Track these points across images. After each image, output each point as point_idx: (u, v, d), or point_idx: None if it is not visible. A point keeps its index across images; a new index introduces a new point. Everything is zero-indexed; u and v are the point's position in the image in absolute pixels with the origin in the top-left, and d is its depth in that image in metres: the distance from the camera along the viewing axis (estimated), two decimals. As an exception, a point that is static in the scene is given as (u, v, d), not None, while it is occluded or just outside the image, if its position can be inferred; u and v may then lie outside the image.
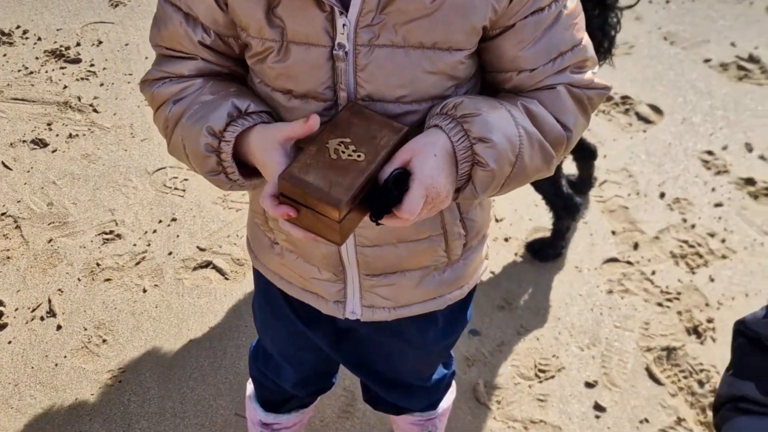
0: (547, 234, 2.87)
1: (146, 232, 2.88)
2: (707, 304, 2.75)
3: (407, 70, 1.20)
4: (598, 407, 2.45)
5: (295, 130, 1.18)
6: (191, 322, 2.62)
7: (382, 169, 1.15)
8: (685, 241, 2.95)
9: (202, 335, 2.59)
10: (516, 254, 2.89)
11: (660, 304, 2.75)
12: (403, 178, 1.14)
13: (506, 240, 2.93)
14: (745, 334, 1.16)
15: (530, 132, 1.22)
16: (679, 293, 2.78)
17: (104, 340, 2.55)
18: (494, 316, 2.69)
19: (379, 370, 1.77)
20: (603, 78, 1.29)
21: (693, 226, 3.01)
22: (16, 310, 2.62)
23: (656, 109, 3.53)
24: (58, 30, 3.74)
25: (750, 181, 3.20)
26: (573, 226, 2.93)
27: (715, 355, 2.60)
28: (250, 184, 1.31)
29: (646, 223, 3.02)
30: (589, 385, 2.51)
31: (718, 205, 3.11)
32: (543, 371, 2.54)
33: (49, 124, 3.28)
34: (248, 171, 1.28)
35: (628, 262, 2.88)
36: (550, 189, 2.67)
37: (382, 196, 1.13)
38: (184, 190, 3.05)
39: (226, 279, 2.76)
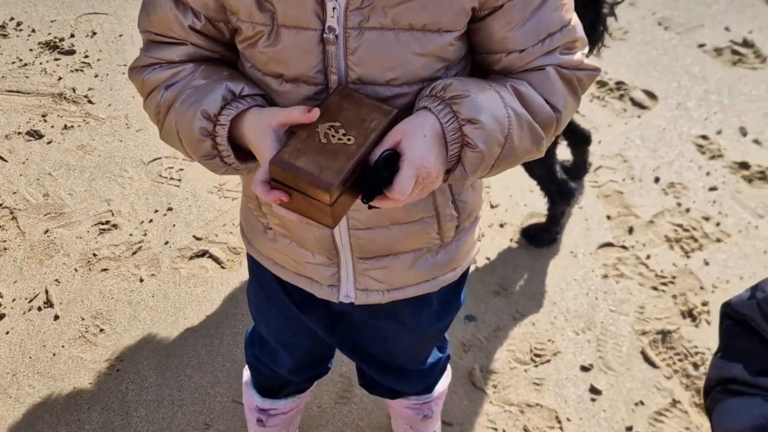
0: (543, 219, 2.88)
1: (142, 222, 2.89)
2: (702, 288, 2.76)
3: (397, 53, 1.21)
4: (594, 390, 2.47)
5: (291, 117, 1.18)
6: (188, 310, 2.63)
7: (373, 152, 1.15)
8: (680, 225, 2.96)
9: (199, 324, 2.60)
10: (511, 240, 2.90)
11: (655, 288, 2.76)
12: (393, 159, 1.14)
13: (501, 226, 2.94)
14: (732, 316, 1.16)
15: (519, 113, 1.22)
16: (674, 277, 2.79)
17: (101, 330, 2.56)
18: (490, 302, 2.70)
19: (374, 354, 1.78)
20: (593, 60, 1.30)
21: (687, 210, 3.02)
22: (14, 300, 2.62)
23: (651, 95, 3.54)
24: (52, 21, 3.74)
25: (744, 165, 3.21)
26: (568, 211, 2.95)
27: (710, 338, 2.61)
28: (245, 168, 1.31)
29: (641, 207, 3.03)
30: (585, 368, 2.52)
31: (713, 189, 3.11)
32: (539, 356, 2.56)
33: (44, 116, 3.28)
34: (243, 154, 1.28)
35: (623, 247, 2.89)
36: (544, 175, 2.68)
37: (373, 177, 1.14)
38: (179, 180, 3.05)
39: (223, 268, 2.77)
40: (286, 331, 1.75)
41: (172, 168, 3.10)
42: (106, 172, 3.07)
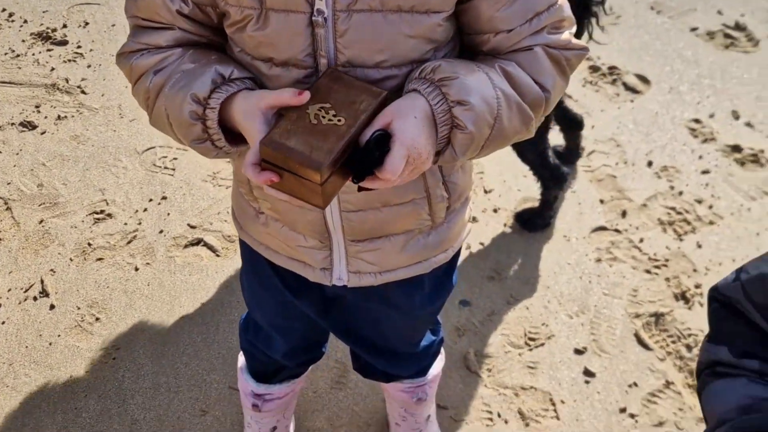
0: (536, 204, 2.89)
1: (137, 211, 2.89)
2: (695, 270, 2.78)
3: (386, 35, 1.21)
4: (588, 373, 2.48)
5: (280, 99, 1.19)
6: (183, 298, 2.64)
7: (363, 133, 1.16)
8: (673, 208, 2.97)
9: (195, 311, 2.61)
10: (505, 225, 2.91)
11: (648, 271, 2.77)
12: (383, 139, 1.15)
13: (495, 211, 2.95)
14: (718, 299, 1.17)
15: (508, 94, 1.23)
16: (666, 260, 2.80)
17: (97, 319, 2.57)
18: (484, 287, 2.71)
19: (367, 337, 1.79)
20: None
21: (680, 193, 3.03)
22: (9, 291, 2.63)
23: (643, 79, 3.54)
24: (44, 12, 3.73)
25: (736, 148, 3.22)
26: (561, 195, 2.95)
27: (703, 320, 2.62)
28: (236, 151, 1.32)
29: (634, 191, 3.04)
30: (579, 351, 2.54)
31: (705, 172, 3.12)
32: (533, 339, 2.57)
33: (37, 107, 3.28)
34: (234, 137, 1.29)
35: (616, 230, 2.90)
36: (536, 160, 2.69)
37: (364, 157, 1.15)
38: (173, 169, 3.06)
39: (217, 256, 2.77)
40: (280, 316, 1.76)
41: (166, 157, 3.11)
42: (100, 162, 3.07)
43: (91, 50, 3.56)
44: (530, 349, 2.54)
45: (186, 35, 1.31)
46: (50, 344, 2.50)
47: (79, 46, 3.57)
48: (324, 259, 1.52)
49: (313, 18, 1.20)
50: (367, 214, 1.42)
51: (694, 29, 3.81)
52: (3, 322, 2.54)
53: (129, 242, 2.79)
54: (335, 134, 1.14)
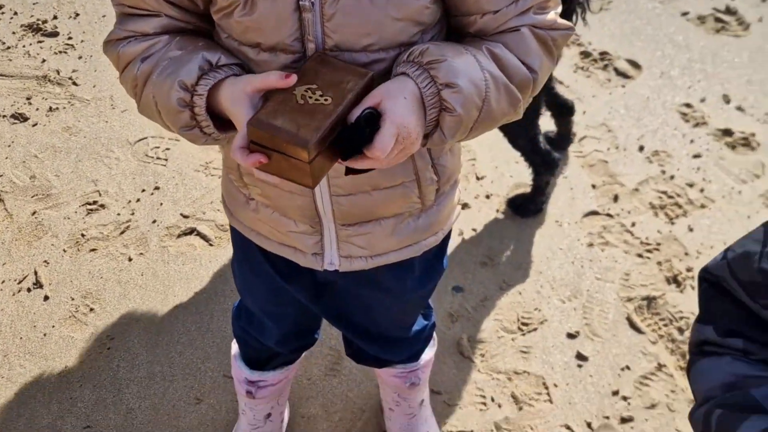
0: (528, 190, 2.89)
1: (130, 202, 2.90)
2: (686, 254, 2.79)
3: (373, 18, 1.22)
4: (580, 356, 2.50)
5: (267, 82, 1.19)
6: (177, 288, 2.65)
7: (352, 111, 1.16)
8: (664, 192, 2.98)
9: (189, 301, 2.62)
10: (497, 211, 2.92)
11: (640, 255, 2.78)
12: (373, 118, 1.15)
13: (488, 197, 2.96)
14: (708, 279, 1.18)
15: (496, 76, 1.24)
16: (658, 244, 2.82)
17: (92, 309, 2.58)
18: (477, 273, 2.72)
19: (359, 322, 1.80)
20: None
21: (672, 178, 3.04)
22: (3, 282, 2.64)
23: (634, 64, 3.54)
24: (34, 4, 3.72)
25: (727, 132, 3.23)
26: (553, 181, 2.96)
27: (695, 303, 2.62)
28: (225, 137, 1.32)
29: (626, 176, 3.05)
30: (571, 335, 2.55)
31: (697, 156, 3.13)
32: (525, 324, 2.58)
33: (28, 99, 3.27)
34: (223, 124, 1.29)
35: (608, 215, 2.91)
36: (527, 146, 2.69)
37: (353, 135, 1.15)
38: (166, 159, 3.06)
39: (211, 245, 2.78)
40: (272, 302, 1.77)
41: (158, 147, 3.11)
42: (92, 153, 3.07)
43: (82, 41, 3.55)
44: (523, 334, 2.55)
45: (173, 22, 1.31)
46: (45, 335, 2.51)
47: (69, 38, 3.56)
48: (315, 244, 1.52)
49: (300, 2, 1.20)
50: (357, 198, 1.43)
51: (684, 14, 3.81)
52: (-3, 314, 2.56)
53: (122, 232, 2.80)
54: (322, 113, 1.14)
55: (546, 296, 2.66)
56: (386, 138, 1.14)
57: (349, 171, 1.21)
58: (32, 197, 2.89)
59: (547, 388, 2.42)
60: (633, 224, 2.87)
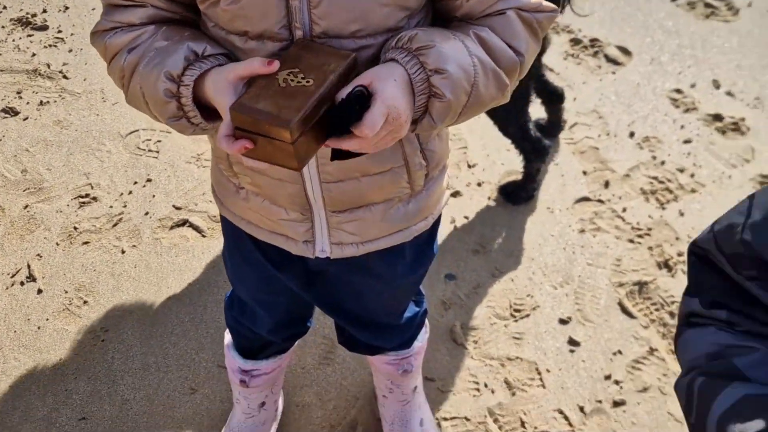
0: (519, 177, 2.90)
1: (122, 194, 2.90)
2: (677, 238, 2.80)
3: (360, 4, 1.22)
4: (573, 342, 2.51)
5: (249, 69, 1.19)
6: (170, 280, 2.66)
7: (342, 90, 1.16)
8: (655, 178, 3.00)
9: (182, 292, 2.63)
10: (489, 198, 2.93)
11: (631, 241, 2.80)
12: (364, 97, 1.15)
13: (479, 185, 2.97)
14: (696, 253, 1.19)
15: (484, 61, 1.25)
16: (649, 229, 2.83)
17: (85, 302, 2.59)
18: (469, 260, 2.73)
19: (351, 309, 1.81)
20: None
21: (662, 163, 3.05)
22: (-4, 276, 2.65)
23: (625, 51, 3.55)
24: (23, -2, 3.72)
25: (718, 117, 3.24)
26: (544, 168, 2.97)
27: (686, 287, 2.65)
28: (212, 127, 1.32)
29: (617, 162, 3.06)
30: (563, 321, 2.57)
31: (687, 141, 3.15)
32: (518, 311, 2.60)
33: (19, 93, 3.27)
34: (210, 113, 1.29)
35: (600, 201, 2.92)
36: (517, 133, 2.70)
37: (343, 112, 1.15)
38: (157, 152, 3.06)
39: (203, 236, 2.79)
40: (263, 291, 1.78)
41: (149, 140, 3.11)
42: (83, 146, 3.08)
43: (72, 35, 3.54)
44: (515, 321, 2.57)
45: (159, 12, 1.31)
46: (39, 328, 2.51)
47: (59, 31, 3.56)
48: (306, 232, 1.53)
49: None
50: (347, 185, 1.44)
51: None
52: (-9, 308, 2.56)
53: (115, 225, 2.80)
54: (304, 93, 1.14)
55: (538, 283, 2.67)
56: (376, 117, 1.14)
57: (335, 156, 1.21)
58: (24, 191, 2.90)
59: (539, 373, 2.44)
60: (624, 210, 2.88)
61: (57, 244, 2.74)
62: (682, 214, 2.87)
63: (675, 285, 2.65)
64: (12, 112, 3.18)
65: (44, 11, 3.65)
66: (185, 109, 1.27)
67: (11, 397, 2.35)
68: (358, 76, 1.18)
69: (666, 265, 2.71)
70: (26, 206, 2.84)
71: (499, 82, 1.28)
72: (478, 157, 3.07)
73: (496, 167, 3.03)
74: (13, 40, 3.49)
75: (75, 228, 2.78)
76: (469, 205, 2.90)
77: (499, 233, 2.82)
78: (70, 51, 3.46)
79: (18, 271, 2.66)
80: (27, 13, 3.62)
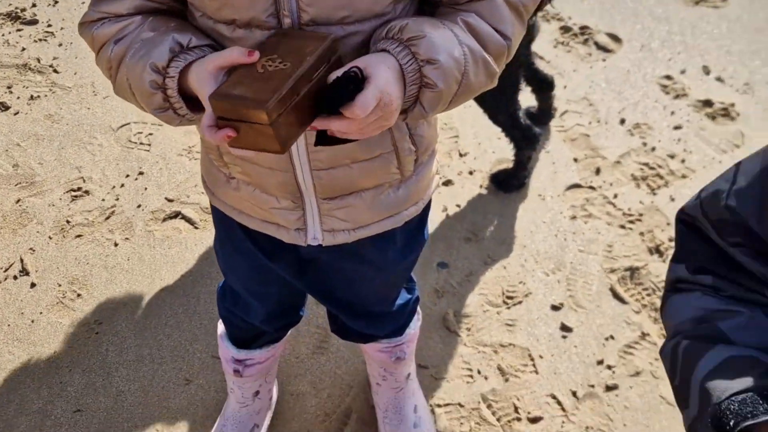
0: (511, 165, 2.91)
1: (114, 187, 2.90)
2: (668, 224, 2.81)
3: None
4: (565, 328, 2.52)
5: (229, 59, 1.19)
6: (164, 272, 2.66)
7: (335, 71, 1.16)
8: (646, 164, 3.01)
9: (175, 284, 2.63)
10: (481, 186, 2.94)
11: (623, 227, 2.81)
12: (357, 80, 1.15)
13: (471, 173, 2.98)
14: (684, 220, 1.20)
15: (474, 49, 1.25)
16: (640, 214, 2.84)
17: (79, 295, 2.59)
18: (461, 248, 2.74)
19: (343, 297, 1.82)
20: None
21: (653, 149, 3.06)
22: (-11, 270, 2.65)
23: (615, 38, 3.56)
24: (12, -8, 3.71)
25: (708, 103, 3.25)
26: (535, 156, 2.98)
27: (677, 272, 2.67)
28: (198, 118, 1.33)
29: (608, 149, 3.07)
30: (555, 308, 2.58)
31: (677, 127, 3.16)
32: (510, 298, 2.61)
33: (9, 87, 3.27)
34: (196, 104, 1.30)
35: (591, 188, 2.93)
36: (507, 121, 2.71)
37: (336, 91, 1.15)
38: (149, 144, 3.06)
39: (196, 228, 2.79)
40: (255, 280, 1.78)
41: (141, 133, 3.11)
42: (75, 140, 3.07)
43: (61, 29, 3.54)
44: (508, 308, 2.58)
45: (145, 3, 1.31)
46: (32, 322, 2.52)
47: (49, 25, 3.55)
48: (297, 220, 1.53)
49: None
50: (337, 171, 1.44)
51: (664, -14, 3.83)
52: (-16, 302, 2.56)
53: (107, 218, 2.80)
54: (281, 75, 1.13)
55: (530, 269, 2.69)
56: (369, 98, 1.14)
57: (320, 141, 1.21)
58: (16, 185, 2.90)
59: (532, 359, 2.45)
60: (615, 196, 2.90)
61: (50, 237, 2.74)
62: (672, 200, 2.89)
63: (666, 270, 2.66)
64: (3, 107, 3.18)
65: (33, 5, 3.64)
66: (171, 100, 1.28)
67: (6, 390, 2.35)
68: (353, 61, 1.18)
69: (657, 251, 2.73)
70: (18, 200, 2.84)
71: (489, 69, 1.28)
72: (469, 145, 3.07)
73: (487, 156, 3.04)
74: (3, 35, 3.49)
75: (67, 221, 2.79)
76: (460, 193, 2.91)
77: (491, 221, 2.83)
78: (60, 45, 3.46)
79: (11, 265, 2.66)
80: (16, 8, 3.61)
